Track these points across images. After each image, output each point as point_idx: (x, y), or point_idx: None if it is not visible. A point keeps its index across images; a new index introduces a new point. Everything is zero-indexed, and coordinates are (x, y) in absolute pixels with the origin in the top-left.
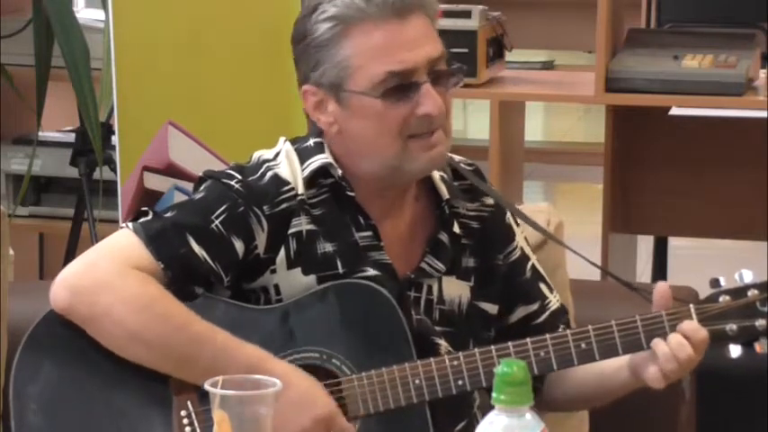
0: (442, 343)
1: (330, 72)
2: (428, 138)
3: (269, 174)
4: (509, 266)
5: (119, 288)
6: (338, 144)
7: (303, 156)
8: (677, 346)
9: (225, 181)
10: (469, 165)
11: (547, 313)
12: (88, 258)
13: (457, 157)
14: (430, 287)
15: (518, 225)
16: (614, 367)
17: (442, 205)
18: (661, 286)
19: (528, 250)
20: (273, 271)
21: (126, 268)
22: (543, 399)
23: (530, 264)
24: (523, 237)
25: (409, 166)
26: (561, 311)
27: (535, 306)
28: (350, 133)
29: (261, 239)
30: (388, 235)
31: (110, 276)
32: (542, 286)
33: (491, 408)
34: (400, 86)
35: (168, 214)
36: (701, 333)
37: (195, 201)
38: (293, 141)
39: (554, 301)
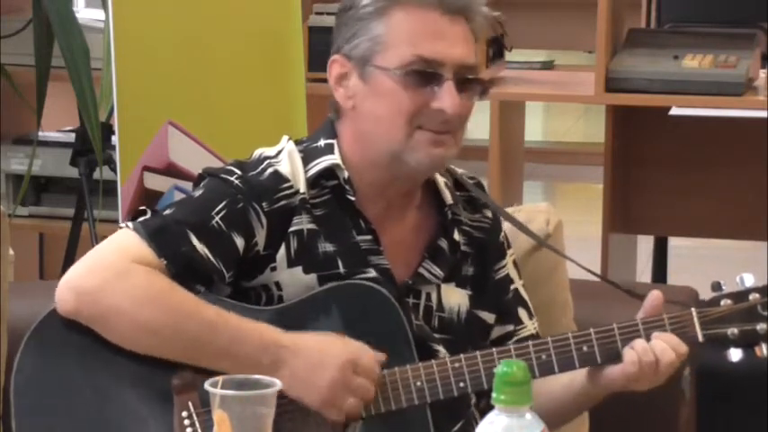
0: (441, 349)
1: (363, 45)
2: (435, 134)
3: (269, 170)
4: (495, 283)
5: (124, 284)
6: (350, 126)
7: (311, 155)
8: (642, 351)
9: (224, 177)
10: (471, 178)
11: (515, 338)
12: (90, 259)
13: (459, 170)
14: (429, 294)
15: (510, 247)
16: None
17: (444, 210)
18: (654, 294)
19: (514, 274)
20: (274, 269)
21: (130, 264)
22: None
23: (513, 286)
24: (513, 260)
25: (408, 157)
26: (531, 339)
27: (509, 328)
28: (363, 111)
29: (260, 236)
30: (388, 240)
31: (114, 273)
32: (521, 311)
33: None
34: (423, 73)
35: (168, 212)
36: (668, 354)
37: (195, 198)
38: (300, 141)
39: (529, 328)
